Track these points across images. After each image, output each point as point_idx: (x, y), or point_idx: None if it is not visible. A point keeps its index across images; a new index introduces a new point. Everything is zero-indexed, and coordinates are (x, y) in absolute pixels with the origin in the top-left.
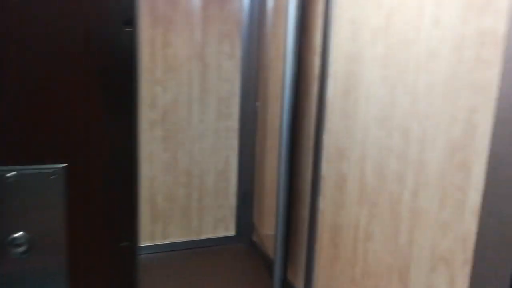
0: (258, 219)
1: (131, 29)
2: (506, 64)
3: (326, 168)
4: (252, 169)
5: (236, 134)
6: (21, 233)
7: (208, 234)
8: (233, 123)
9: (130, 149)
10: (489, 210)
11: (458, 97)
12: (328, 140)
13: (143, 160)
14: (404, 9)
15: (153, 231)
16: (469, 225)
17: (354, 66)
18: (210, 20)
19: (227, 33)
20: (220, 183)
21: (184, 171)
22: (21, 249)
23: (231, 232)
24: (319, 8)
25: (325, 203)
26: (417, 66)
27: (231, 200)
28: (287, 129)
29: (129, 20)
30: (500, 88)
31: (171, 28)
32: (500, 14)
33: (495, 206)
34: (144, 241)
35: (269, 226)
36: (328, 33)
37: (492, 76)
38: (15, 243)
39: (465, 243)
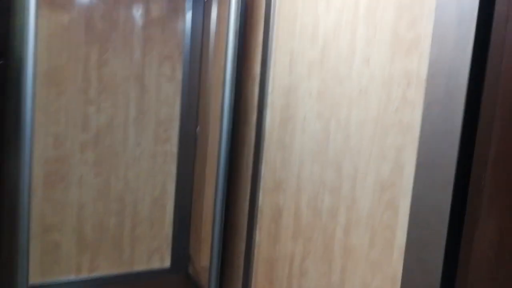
0: (195, 250)
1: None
2: (426, 106)
3: (263, 199)
4: (190, 196)
5: (174, 159)
6: None
7: (141, 266)
8: (172, 147)
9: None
10: (411, 252)
11: (387, 135)
12: (265, 171)
13: (71, 186)
14: (337, 45)
15: (80, 263)
16: (397, 265)
17: (291, 98)
18: (150, 41)
19: (168, 55)
20: (156, 211)
21: (117, 197)
22: None
23: (166, 263)
24: (259, 37)
25: (261, 236)
26: (350, 102)
27: (167, 229)
28: (224, 157)
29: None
30: (421, 129)
31: (108, 46)
32: (423, 58)
33: (417, 248)
34: (69, 275)
35: (206, 258)
36: (267, 63)
37: (416, 117)
38: None
39: (394, 284)
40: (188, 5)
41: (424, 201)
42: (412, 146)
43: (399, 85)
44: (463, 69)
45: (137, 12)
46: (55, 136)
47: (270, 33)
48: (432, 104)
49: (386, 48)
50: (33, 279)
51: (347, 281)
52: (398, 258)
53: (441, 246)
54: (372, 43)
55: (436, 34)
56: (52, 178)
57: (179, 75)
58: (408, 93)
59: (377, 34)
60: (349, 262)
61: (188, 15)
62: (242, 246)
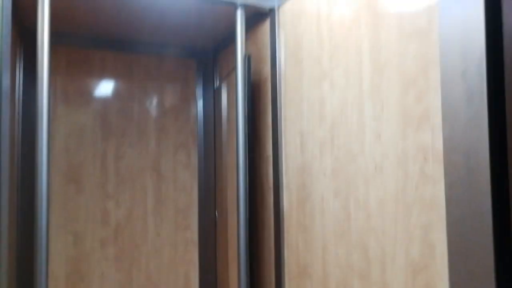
0: None
1: None
2: (448, 185)
3: (289, 285)
4: (215, 285)
5: (195, 246)
6: None
7: None
8: (192, 235)
9: None
10: None
11: (411, 214)
12: (288, 254)
13: (93, 284)
14: (346, 122)
15: None
16: None
17: (306, 177)
18: (165, 130)
19: (182, 142)
20: None
21: None
22: None
23: None
24: (268, 120)
25: None
26: (366, 179)
27: None
28: (244, 241)
29: None
30: (447, 210)
31: (124, 140)
32: (436, 131)
33: None
34: None
35: None
36: (279, 144)
37: (439, 193)
38: None
39: None
40: (199, 93)
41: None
42: (440, 225)
43: (415, 161)
44: (482, 147)
45: (151, 105)
46: (74, 234)
47: (278, 115)
48: (454, 184)
49: (396, 123)
50: None
51: None
52: None
53: None
54: (381, 119)
55: (445, 111)
56: (73, 277)
57: (194, 161)
58: (426, 168)
59: (384, 110)
60: None
61: (200, 103)
62: None
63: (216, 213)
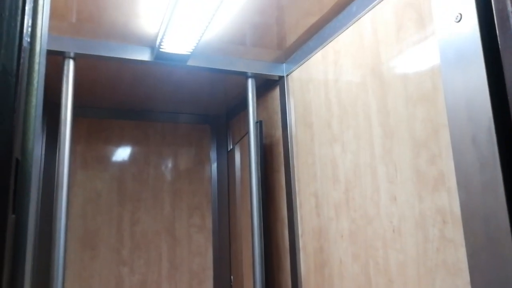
0: None
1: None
2: (470, 253)
3: None
4: None
5: None
6: None
7: None
8: None
9: None
10: None
11: (434, 279)
12: None
13: None
14: (360, 185)
15: None
16: None
17: (323, 240)
18: (179, 194)
19: (197, 205)
20: None
21: None
22: None
23: None
24: (282, 181)
25: None
26: (384, 242)
27: None
28: None
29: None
30: (471, 279)
31: (139, 204)
32: (453, 193)
33: None
34: None
35: None
36: (293, 205)
37: (462, 256)
38: None
39: None
40: (213, 156)
41: None
42: None
43: (434, 223)
44: (501, 214)
45: (166, 169)
46: None
47: (292, 176)
48: (476, 252)
49: (411, 185)
50: None
51: None
52: None
53: None
54: (395, 181)
55: (459, 176)
56: None
57: (209, 223)
58: (447, 232)
59: (398, 172)
60: None
61: (214, 166)
62: None
63: (232, 277)
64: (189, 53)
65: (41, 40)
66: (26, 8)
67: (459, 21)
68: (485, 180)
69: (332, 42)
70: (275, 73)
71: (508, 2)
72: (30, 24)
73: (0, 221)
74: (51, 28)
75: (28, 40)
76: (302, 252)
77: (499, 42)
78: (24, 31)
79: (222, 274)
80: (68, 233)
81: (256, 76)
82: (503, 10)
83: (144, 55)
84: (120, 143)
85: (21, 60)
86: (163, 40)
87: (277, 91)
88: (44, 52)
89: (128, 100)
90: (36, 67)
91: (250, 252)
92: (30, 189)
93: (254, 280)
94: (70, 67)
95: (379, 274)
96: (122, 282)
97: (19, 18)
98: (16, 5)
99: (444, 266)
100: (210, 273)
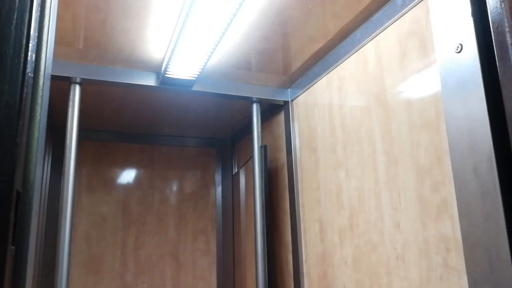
0: None
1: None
2: (470, 276)
3: None
4: None
5: None
6: None
7: None
8: None
9: None
10: None
11: None
12: None
13: None
14: (364, 211)
15: None
16: None
17: (327, 266)
18: (184, 218)
19: (201, 229)
20: None
21: None
22: None
23: None
24: (286, 206)
25: None
26: (388, 270)
27: None
28: None
29: None
30: None
31: (143, 229)
32: (456, 221)
33: None
34: None
35: None
36: (297, 231)
37: (466, 285)
38: None
39: None
40: (218, 180)
41: None
42: None
43: (438, 251)
44: (502, 244)
45: (170, 193)
46: None
47: (296, 201)
48: (478, 282)
49: (414, 212)
50: None
51: None
52: None
53: None
54: (399, 208)
55: (461, 206)
56: None
57: (213, 248)
58: (450, 260)
59: (402, 199)
60: None
61: (218, 189)
62: None
63: None
64: (195, 78)
65: (44, 74)
66: (30, 44)
67: (460, 51)
68: (486, 209)
69: (337, 68)
70: (280, 98)
71: (508, 35)
72: (34, 59)
73: (0, 253)
74: (58, 54)
75: (31, 75)
76: (306, 278)
77: (499, 73)
78: (28, 67)
79: None
80: (71, 257)
81: (261, 101)
82: (502, 42)
83: (150, 80)
84: (125, 166)
85: (24, 95)
86: (168, 65)
87: (282, 116)
88: (47, 87)
89: (134, 124)
90: (39, 100)
91: (254, 276)
92: (30, 221)
93: None
94: (76, 92)
95: None
96: None
97: (22, 55)
98: (20, 43)
99: None
100: None
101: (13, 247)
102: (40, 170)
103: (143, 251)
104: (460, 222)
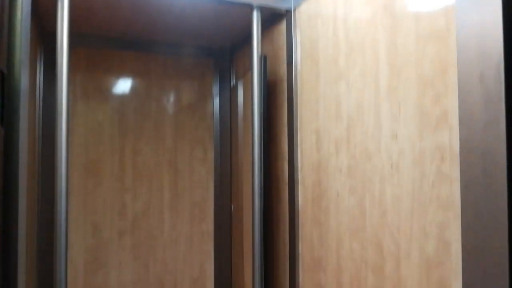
0: None
1: None
2: (463, 186)
3: (303, 278)
4: (230, 275)
5: (211, 238)
6: None
7: None
8: (208, 227)
9: None
10: None
11: (426, 212)
12: (303, 248)
13: (111, 271)
14: (362, 122)
15: None
16: None
17: (321, 174)
18: (182, 127)
19: (199, 139)
20: None
21: (156, 280)
22: None
23: None
24: (284, 118)
25: None
26: (382, 177)
27: None
28: (259, 234)
29: None
30: (462, 210)
31: (141, 136)
32: (454, 131)
33: None
34: None
35: None
36: (294, 141)
37: (456, 192)
38: None
39: None
40: (215, 91)
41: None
42: (456, 223)
43: (433, 160)
44: (499, 150)
45: (168, 102)
46: (93, 225)
47: (294, 113)
48: (470, 184)
49: (413, 123)
50: None
51: None
52: None
53: None
54: (398, 120)
55: (462, 114)
56: (92, 265)
57: (211, 157)
58: (444, 168)
59: (402, 111)
60: None
61: (216, 101)
62: None
63: (232, 207)
64: None
65: None
66: None
67: None
68: (488, 118)
69: None
70: (282, 5)
71: None
72: None
73: None
74: None
75: None
76: (301, 185)
77: None
78: None
79: (223, 204)
80: (70, 160)
81: (261, 9)
82: None
83: None
84: (120, 75)
85: None
86: None
87: (283, 26)
88: None
89: (129, 29)
90: None
91: (250, 184)
92: (19, 103)
93: (253, 210)
94: None
95: (374, 206)
96: (125, 207)
97: None
98: None
99: (437, 200)
100: (211, 203)
101: (1, 127)
102: (27, 61)
103: (140, 158)
104: (460, 130)
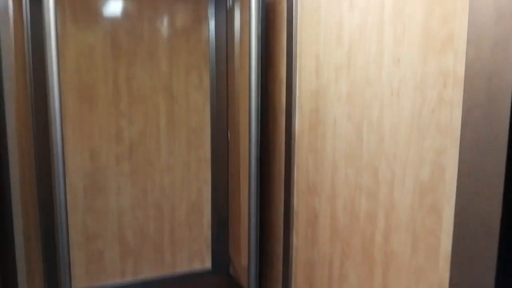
0: (234, 251)
1: None
2: (465, 110)
3: (297, 202)
4: (227, 199)
5: (208, 164)
6: None
7: (182, 268)
8: (205, 153)
9: None
10: (458, 264)
11: (424, 138)
12: (298, 174)
13: (110, 196)
14: (364, 47)
15: (124, 268)
16: (444, 272)
17: (320, 101)
18: (176, 52)
19: (194, 64)
20: (193, 215)
21: (154, 204)
22: None
23: (208, 265)
24: (283, 42)
25: (298, 239)
26: (381, 104)
27: (206, 232)
28: (255, 160)
29: None
30: (462, 134)
31: (135, 60)
32: (459, 55)
33: (465, 262)
34: (114, 280)
35: (245, 258)
36: (293, 67)
37: (456, 118)
38: None
39: None
40: (211, 13)
41: (470, 212)
42: (453, 149)
43: (434, 85)
44: (507, 71)
45: (161, 24)
46: (91, 150)
47: (293, 37)
48: (472, 109)
49: (417, 47)
50: (81, 284)
51: (390, 287)
52: (444, 265)
53: (492, 261)
54: (402, 43)
55: (471, 33)
56: (91, 189)
57: (206, 83)
58: (445, 94)
59: (406, 33)
60: (391, 267)
61: (212, 24)
62: (279, 247)
63: (229, 134)
64: None
65: None
66: None
67: None
68: (498, 36)
69: None
70: None
71: None
72: None
73: None
74: None
75: None
76: (298, 112)
77: None
78: None
79: (219, 131)
80: (63, 86)
81: None
82: None
83: None
84: None
85: None
86: None
87: None
88: None
89: None
90: None
91: (247, 111)
92: None
93: (249, 136)
94: None
95: (372, 133)
96: (122, 133)
97: None
98: None
99: (436, 126)
100: (207, 129)
101: None
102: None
103: (135, 82)
104: (467, 50)
